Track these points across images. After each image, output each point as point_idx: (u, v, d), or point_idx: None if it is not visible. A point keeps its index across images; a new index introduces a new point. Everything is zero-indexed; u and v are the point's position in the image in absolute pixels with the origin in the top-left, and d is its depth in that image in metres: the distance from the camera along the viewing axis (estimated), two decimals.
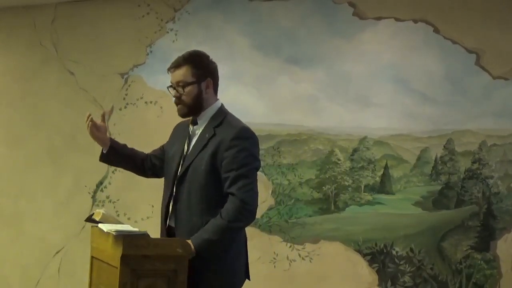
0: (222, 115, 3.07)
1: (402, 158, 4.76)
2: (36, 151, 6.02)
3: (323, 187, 4.94)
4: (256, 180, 2.99)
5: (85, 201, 5.78)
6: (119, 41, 5.77)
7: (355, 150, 4.89)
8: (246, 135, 2.99)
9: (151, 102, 5.61)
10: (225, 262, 3.02)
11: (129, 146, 5.81)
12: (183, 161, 3.09)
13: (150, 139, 5.60)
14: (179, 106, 3.08)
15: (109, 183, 5.73)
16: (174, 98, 3.09)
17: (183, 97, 3.05)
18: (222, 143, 2.95)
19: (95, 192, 5.77)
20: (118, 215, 5.48)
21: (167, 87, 3.15)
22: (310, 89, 5.03)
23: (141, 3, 5.69)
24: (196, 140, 3.07)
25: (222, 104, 3.13)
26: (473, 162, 4.55)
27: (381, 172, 4.81)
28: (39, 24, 6.10)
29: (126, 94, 5.72)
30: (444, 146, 4.63)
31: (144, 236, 3.06)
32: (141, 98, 5.65)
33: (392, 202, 4.77)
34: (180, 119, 3.28)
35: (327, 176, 4.94)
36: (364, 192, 4.85)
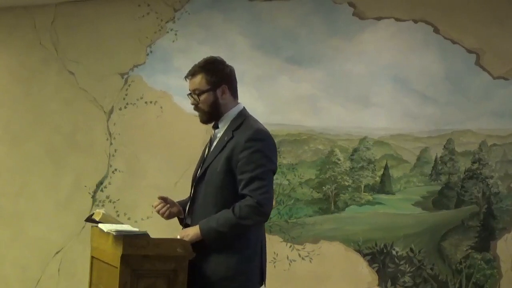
0: (242, 118, 3.08)
1: (402, 158, 4.76)
2: (36, 151, 6.02)
3: (323, 187, 4.94)
4: (271, 183, 2.99)
5: (85, 201, 5.78)
6: (119, 41, 5.77)
7: (355, 150, 4.89)
8: (261, 137, 2.99)
9: (151, 102, 5.61)
10: (239, 265, 2.99)
11: (129, 146, 5.85)
12: (203, 164, 3.13)
13: (150, 139, 5.62)
14: (198, 113, 3.14)
15: (109, 183, 5.73)
16: (192, 105, 3.14)
17: (200, 105, 3.10)
18: (238, 144, 2.97)
19: (95, 192, 5.77)
20: (118, 215, 5.48)
21: (187, 95, 3.18)
22: (310, 89, 5.03)
23: (141, 3, 5.69)
24: (216, 143, 3.10)
25: (243, 108, 3.15)
26: (473, 162, 4.55)
27: (381, 172, 4.81)
28: (39, 24, 6.10)
29: (126, 94, 5.72)
30: (444, 146, 4.63)
31: (144, 236, 3.07)
32: (141, 98, 5.65)
33: (392, 202, 4.77)
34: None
35: (327, 176, 4.94)
36: (364, 192, 4.85)
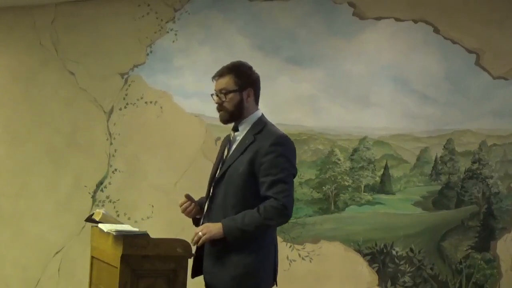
0: (262, 123, 3.19)
1: (402, 158, 4.76)
2: (36, 151, 6.02)
3: (323, 187, 4.94)
4: (293, 186, 3.10)
5: (85, 201, 5.78)
6: (119, 41, 5.77)
7: (355, 150, 4.89)
8: (284, 142, 3.11)
9: (151, 102, 5.61)
10: (256, 264, 3.07)
11: (129, 146, 5.85)
12: (222, 165, 3.20)
13: (150, 139, 5.62)
14: (221, 112, 3.20)
15: (109, 183, 5.73)
16: (216, 105, 3.21)
17: (225, 104, 3.17)
18: (261, 148, 3.06)
19: (95, 192, 5.77)
20: (118, 215, 5.48)
21: (211, 95, 3.25)
22: (310, 89, 5.03)
23: (141, 3, 5.69)
24: (236, 146, 3.18)
25: (262, 114, 3.25)
26: (473, 162, 4.54)
27: (381, 172, 4.81)
28: (39, 24, 6.11)
29: (126, 94, 5.72)
30: (444, 146, 4.63)
31: (144, 236, 3.07)
32: (141, 98, 5.65)
33: (392, 202, 4.77)
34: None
35: (327, 176, 4.94)
36: (364, 192, 4.85)
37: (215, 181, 3.20)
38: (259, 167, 3.05)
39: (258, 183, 3.05)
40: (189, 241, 3.22)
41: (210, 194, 3.21)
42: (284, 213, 3.02)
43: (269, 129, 3.16)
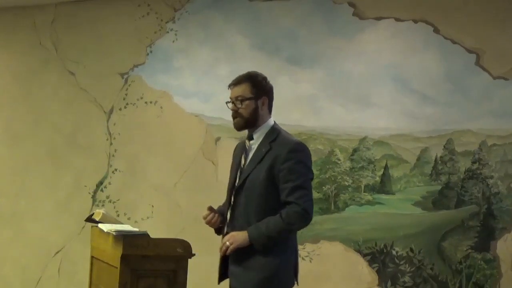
0: (276, 131, 3.29)
1: (402, 158, 4.76)
2: (36, 151, 6.02)
3: (323, 187, 4.94)
4: (311, 191, 3.22)
5: (85, 201, 5.78)
6: (119, 41, 5.77)
7: (355, 150, 4.89)
8: (301, 148, 3.22)
9: (151, 102, 5.61)
10: (280, 266, 3.16)
11: (129, 146, 5.85)
12: (241, 173, 3.29)
13: (150, 139, 5.62)
14: (236, 119, 3.30)
15: (109, 183, 5.73)
16: (232, 112, 3.31)
17: (241, 110, 3.28)
18: (279, 156, 3.17)
19: (95, 192, 5.77)
20: (118, 215, 5.48)
21: (226, 102, 3.34)
22: (310, 89, 5.03)
23: (141, 3, 5.69)
24: (253, 154, 3.28)
25: (275, 122, 3.36)
26: (473, 162, 4.54)
27: (381, 172, 4.81)
28: (39, 24, 6.11)
29: (126, 94, 5.72)
30: (444, 146, 4.63)
31: (144, 236, 3.07)
32: (141, 98, 5.65)
33: (392, 202, 4.77)
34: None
35: (327, 176, 4.94)
36: (364, 192, 4.85)
37: (235, 190, 3.27)
38: (278, 174, 3.15)
39: (278, 190, 3.15)
40: (189, 241, 3.23)
41: (231, 203, 3.28)
42: (305, 217, 3.14)
43: (284, 136, 3.27)
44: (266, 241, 3.10)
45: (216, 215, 3.34)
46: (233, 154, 3.48)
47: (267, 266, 3.12)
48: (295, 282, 3.30)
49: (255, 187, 3.18)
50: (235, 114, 3.29)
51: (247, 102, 3.26)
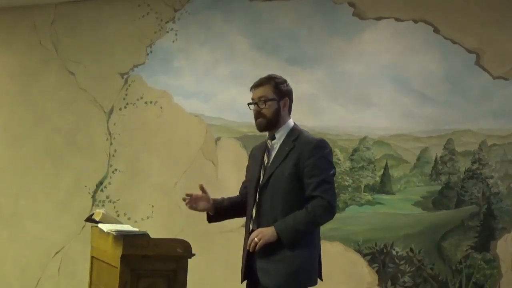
0: (298, 131, 3.39)
1: (402, 158, 4.76)
2: (36, 151, 6.02)
3: None
4: (334, 184, 3.31)
5: (85, 201, 5.78)
6: (119, 41, 5.77)
7: (355, 150, 4.89)
8: (323, 145, 3.31)
9: (151, 102, 5.61)
10: (308, 260, 3.24)
11: (129, 146, 5.85)
12: (265, 171, 3.36)
13: (150, 139, 5.62)
14: (259, 119, 3.38)
15: (109, 183, 5.73)
16: (254, 112, 3.39)
17: (264, 111, 3.36)
18: (303, 153, 3.27)
19: (95, 192, 5.77)
20: (118, 215, 5.48)
21: (248, 104, 3.42)
22: (310, 89, 5.03)
23: (141, 3, 5.69)
24: (277, 153, 3.36)
25: (294, 123, 3.44)
26: (473, 162, 4.54)
27: (381, 172, 4.81)
28: (39, 24, 6.11)
29: (126, 94, 5.72)
30: (444, 146, 4.63)
31: (144, 236, 3.07)
32: (141, 98, 5.65)
33: (392, 202, 4.77)
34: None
35: None
36: (364, 192, 4.85)
37: (260, 188, 3.34)
38: (303, 170, 3.24)
39: (302, 185, 3.24)
40: (188, 241, 3.22)
41: (257, 200, 3.34)
42: (330, 210, 3.22)
43: (306, 135, 3.37)
44: (294, 235, 3.17)
45: (195, 198, 3.39)
46: (250, 155, 3.57)
47: (295, 259, 3.18)
48: (320, 278, 3.37)
49: (280, 183, 3.26)
50: (258, 114, 3.37)
51: (270, 102, 3.35)
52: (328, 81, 4.98)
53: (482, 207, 4.48)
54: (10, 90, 6.21)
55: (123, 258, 2.98)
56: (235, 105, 5.12)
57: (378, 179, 4.82)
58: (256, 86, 3.42)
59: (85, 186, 5.79)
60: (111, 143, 5.74)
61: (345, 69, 4.94)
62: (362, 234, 4.79)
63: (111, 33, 5.81)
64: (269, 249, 3.19)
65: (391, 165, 4.79)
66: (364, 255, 4.76)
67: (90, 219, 3.44)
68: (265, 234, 3.18)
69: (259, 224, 3.29)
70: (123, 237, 3.01)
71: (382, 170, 4.81)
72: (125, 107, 5.71)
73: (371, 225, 4.78)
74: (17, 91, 6.17)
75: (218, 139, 5.32)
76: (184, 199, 3.44)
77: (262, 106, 3.35)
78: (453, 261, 4.51)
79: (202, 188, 3.44)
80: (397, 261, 4.66)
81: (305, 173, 3.24)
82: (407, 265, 4.63)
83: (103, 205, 5.63)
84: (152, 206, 5.51)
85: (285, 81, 3.45)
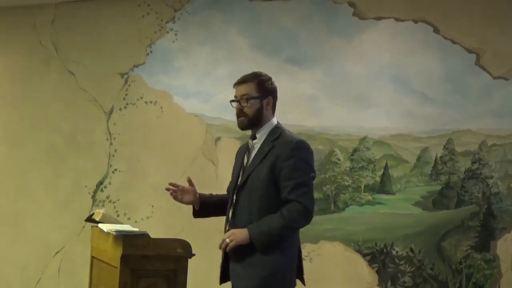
0: (279, 130, 3.28)
1: (402, 158, 4.76)
2: (36, 151, 6.02)
3: (323, 187, 4.94)
4: (313, 188, 3.19)
5: (85, 201, 5.78)
6: (119, 41, 5.77)
7: (355, 150, 4.89)
8: (303, 146, 3.20)
9: (151, 102, 5.61)
10: (283, 265, 3.14)
11: (129, 146, 5.85)
12: (243, 172, 3.27)
13: (150, 139, 5.62)
14: (240, 118, 3.28)
15: (109, 183, 5.73)
16: (236, 110, 3.29)
17: (246, 109, 3.26)
18: (281, 154, 3.15)
19: (95, 192, 5.77)
20: (118, 215, 5.48)
21: (230, 101, 3.33)
22: (310, 89, 5.03)
23: (141, 3, 5.69)
24: (256, 153, 3.26)
25: (278, 122, 3.34)
26: (473, 162, 4.54)
27: (381, 172, 4.81)
28: (39, 24, 6.10)
29: (126, 94, 5.72)
30: (444, 146, 4.63)
31: (144, 236, 3.07)
32: (141, 98, 5.65)
33: (392, 202, 4.77)
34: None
35: (327, 176, 4.94)
36: (364, 192, 4.85)
37: (237, 189, 3.26)
38: (279, 172, 3.13)
39: (279, 188, 3.13)
40: (188, 241, 3.22)
41: (234, 201, 3.26)
42: (307, 215, 3.11)
43: (287, 135, 3.25)
44: (267, 239, 3.08)
45: (175, 190, 3.35)
46: (236, 155, 3.46)
47: (269, 264, 3.09)
48: (302, 283, 3.28)
49: (257, 185, 3.16)
50: (240, 113, 3.28)
51: (252, 101, 3.25)
52: (328, 81, 4.98)
53: (482, 207, 4.48)
54: (10, 90, 6.21)
55: (123, 258, 2.98)
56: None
57: (378, 179, 4.82)
58: (239, 83, 3.32)
59: (85, 186, 5.79)
60: (111, 143, 5.73)
61: (345, 69, 4.94)
62: (362, 234, 4.79)
63: (111, 33, 5.81)
64: (243, 252, 3.11)
65: (391, 165, 4.78)
66: (364, 255, 4.76)
67: (90, 219, 3.44)
68: (237, 236, 3.11)
69: (234, 226, 3.21)
70: (123, 237, 3.01)
71: (382, 170, 4.81)
72: (125, 107, 5.71)
73: (371, 225, 4.78)
74: (17, 91, 6.17)
75: (218, 139, 5.32)
76: (167, 189, 3.38)
77: (244, 105, 3.25)
78: (453, 261, 4.51)
79: (189, 181, 3.40)
80: (397, 261, 4.66)
81: (282, 175, 3.13)
82: (407, 265, 4.63)
83: (103, 205, 5.63)
84: (152, 206, 5.51)
85: (269, 79, 3.35)
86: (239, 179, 3.27)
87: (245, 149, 3.36)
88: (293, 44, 5.12)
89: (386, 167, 4.80)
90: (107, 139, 5.75)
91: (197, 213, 3.46)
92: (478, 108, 4.54)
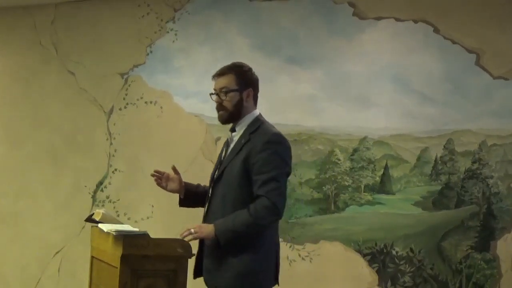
0: (259, 122, 3.17)
1: (402, 158, 4.76)
2: (36, 151, 6.02)
3: (323, 187, 4.94)
4: (285, 185, 3.08)
5: (85, 201, 5.78)
6: (119, 41, 5.77)
7: (355, 150, 4.89)
8: (278, 140, 3.09)
9: (151, 102, 5.61)
10: (254, 263, 3.06)
11: (129, 146, 5.85)
12: (220, 165, 3.21)
13: (150, 139, 5.62)
14: (220, 112, 3.20)
15: (109, 183, 5.73)
16: (216, 104, 3.21)
17: (225, 103, 3.17)
18: (255, 147, 3.06)
19: (95, 192, 5.77)
20: (118, 215, 5.48)
21: (210, 94, 3.25)
22: (310, 89, 5.03)
23: (141, 3, 5.69)
24: (233, 146, 3.18)
25: (259, 114, 3.23)
26: (473, 162, 4.54)
27: (381, 172, 4.81)
28: (39, 24, 6.10)
29: (126, 94, 5.72)
30: (444, 146, 4.63)
31: (144, 236, 3.07)
32: (141, 98, 5.65)
33: (392, 202, 4.77)
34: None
35: (327, 176, 4.94)
36: (364, 192, 4.85)
37: (213, 182, 3.20)
38: (252, 166, 3.04)
39: (252, 181, 3.04)
40: (206, 226, 3.19)
41: (210, 194, 3.21)
42: (274, 212, 2.99)
43: (264, 127, 3.14)
44: (232, 236, 2.99)
45: (166, 177, 3.29)
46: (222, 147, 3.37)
47: (242, 262, 3.02)
48: (276, 283, 3.18)
49: (231, 179, 3.08)
50: (219, 106, 3.18)
51: (231, 94, 3.15)
52: (328, 81, 4.98)
53: (482, 207, 4.48)
54: (10, 90, 6.21)
55: (123, 258, 2.98)
56: None
57: (378, 179, 4.82)
58: (217, 75, 3.22)
59: (85, 186, 5.79)
60: (111, 143, 5.74)
61: (345, 69, 4.94)
62: (362, 234, 4.79)
63: (111, 33, 5.81)
64: (217, 248, 3.04)
65: (391, 165, 4.78)
66: (364, 255, 4.76)
67: (90, 219, 3.44)
68: (203, 230, 3.03)
69: (208, 219, 3.15)
70: (123, 237, 3.01)
71: (382, 170, 4.81)
72: (125, 107, 5.71)
73: (371, 225, 4.78)
74: (17, 91, 6.17)
75: (218, 139, 5.32)
76: (152, 175, 3.32)
77: (223, 98, 3.16)
78: (453, 261, 4.51)
79: (174, 169, 3.32)
80: (397, 261, 4.66)
81: (254, 169, 3.02)
82: (407, 265, 4.63)
83: (103, 205, 5.63)
84: (152, 206, 5.51)
85: (249, 70, 3.24)
86: (216, 172, 3.20)
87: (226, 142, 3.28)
88: (293, 44, 5.12)
89: (386, 167, 4.80)
90: (107, 139, 5.75)
91: (182, 202, 3.40)
92: (478, 108, 4.54)
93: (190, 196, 3.38)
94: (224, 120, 3.21)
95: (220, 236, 3.00)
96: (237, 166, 3.08)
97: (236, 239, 3.00)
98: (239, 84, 3.17)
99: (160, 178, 3.33)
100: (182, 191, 3.35)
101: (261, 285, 3.10)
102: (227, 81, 3.18)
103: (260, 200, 2.99)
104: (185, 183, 3.37)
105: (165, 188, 3.35)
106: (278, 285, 3.21)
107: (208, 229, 3.03)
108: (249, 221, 2.98)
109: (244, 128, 3.17)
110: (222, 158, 3.23)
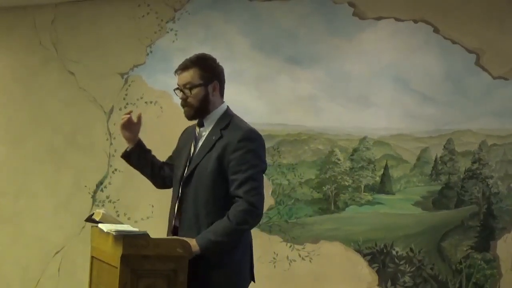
0: (229, 117, 3.08)
1: (402, 158, 4.76)
2: (36, 151, 6.02)
3: (323, 187, 4.94)
4: (262, 183, 3.02)
5: (85, 201, 5.78)
6: (119, 41, 5.77)
7: (355, 150, 4.89)
8: (253, 137, 3.01)
9: (151, 102, 5.61)
10: (231, 264, 3.03)
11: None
12: (189, 163, 3.10)
13: (150, 139, 5.58)
14: (185, 108, 3.09)
15: (109, 183, 5.73)
16: (180, 101, 3.11)
17: (190, 99, 3.06)
18: (229, 145, 2.97)
19: (95, 192, 5.77)
20: (118, 215, 5.48)
21: (174, 90, 3.15)
22: (310, 89, 5.03)
23: (141, 3, 5.69)
24: (203, 142, 3.08)
25: (228, 107, 3.15)
26: (473, 162, 4.54)
27: (381, 172, 4.81)
28: (39, 24, 6.11)
29: (126, 94, 5.72)
30: (444, 146, 4.63)
31: (144, 236, 3.07)
32: (141, 98, 5.66)
33: (392, 202, 4.77)
34: (186, 123, 3.28)
35: (327, 176, 4.94)
36: (364, 192, 4.85)
37: (183, 181, 3.10)
38: (227, 164, 2.96)
39: (227, 181, 2.96)
40: (189, 241, 3.21)
41: (179, 194, 3.12)
42: (254, 213, 2.94)
43: (236, 123, 3.05)
44: (216, 247, 2.93)
45: (129, 121, 3.20)
46: (180, 138, 3.28)
47: (218, 262, 2.98)
48: (252, 280, 3.15)
49: (204, 178, 2.99)
50: (184, 103, 3.07)
51: (196, 89, 3.04)
52: (328, 80, 4.98)
53: (482, 207, 4.48)
54: (10, 90, 6.21)
55: (123, 258, 2.98)
56: (235, 104, 5.10)
57: (378, 179, 4.82)
58: (180, 70, 3.12)
59: (85, 186, 5.80)
60: (111, 143, 5.74)
61: (345, 69, 4.94)
62: (362, 234, 4.79)
63: (111, 33, 5.81)
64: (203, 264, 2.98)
65: (391, 165, 4.78)
66: (364, 255, 4.76)
67: (90, 219, 3.43)
68: (191, 252, 2.92)
69: (181, 220, 3.09)
70: (123, 237, 3.00)
71: (382, 170, 4.81)
72: (125, 107, 5.71)
73: (371, 225, 4.78)
74: (17, 91, 6.17)
75: None
76: (123, 118, 3.23)
77: (188, 94, 3.04)
78: (453, 261, 4.51)
79: (139, 117, 3.23)
80: (397, 261, 4.66)
81: (229, 168, 2.93)
82: (407, 265, 4.63)
83: (103, 205, 5.63)
84: (152, 206, 5.51)
85: (213, 61, 3.12)
86: (185, 171, 3.09)
87: (191, 136, 3.17)
88: (293, 44, 5.12)
89: (386, 167, 4.80)
90: (107, 139, 5.75)
91: (126, 155, 3.32)
92: (478, 108, 4.54)
93: (138, 154, 3.30)
94: (190, 117, 3.10)
95: (205, 250, 2.93)
96: (211, 164, 2.99)
97: (220, 249, 2.95)
98: (204, 78, 3.07)
99: (129, 120, 3.23)
100: (133, 142, 3.27)
101: (237, 284, 3.05)
102: (191, 76, 3.08)
103: (238, 204, 2.92)
104: (139, 139, 3.29)
105: (123, 130, 3.25)
106: (254, 282, 3.17)
107: (194, 249, 2.93)
108: (231, 228, 2.92)
109: (213, 124, 3.08)
110: (191, 155, 3.12)
